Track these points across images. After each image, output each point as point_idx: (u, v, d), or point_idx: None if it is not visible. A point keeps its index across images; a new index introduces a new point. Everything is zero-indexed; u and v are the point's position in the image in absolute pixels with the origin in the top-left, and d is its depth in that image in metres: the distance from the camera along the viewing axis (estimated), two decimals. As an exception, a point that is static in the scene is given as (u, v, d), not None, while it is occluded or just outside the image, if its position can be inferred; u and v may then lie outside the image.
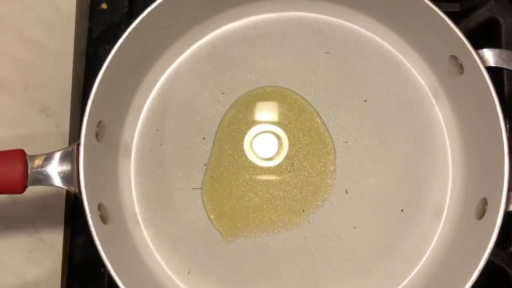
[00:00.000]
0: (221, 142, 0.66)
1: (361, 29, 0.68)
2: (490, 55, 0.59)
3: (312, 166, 0.65)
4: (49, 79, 0.71)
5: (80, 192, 0.55)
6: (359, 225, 0.64)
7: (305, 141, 0.65)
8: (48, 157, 0.55)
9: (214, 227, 0.64)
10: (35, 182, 0.55)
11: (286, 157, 0.65)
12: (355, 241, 0.63)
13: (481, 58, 0.58)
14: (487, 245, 0.54)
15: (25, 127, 0.69)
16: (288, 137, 0.66)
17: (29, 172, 0.55)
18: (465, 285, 0.54)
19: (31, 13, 0.72)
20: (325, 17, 0.68)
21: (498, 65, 0.59)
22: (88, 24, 0.70)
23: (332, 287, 0.63)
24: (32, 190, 0.58)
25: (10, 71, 0.71)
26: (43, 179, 0.55)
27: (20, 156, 0.55)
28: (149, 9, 0.60)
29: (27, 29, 0.72)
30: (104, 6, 0.70)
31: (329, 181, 0.64)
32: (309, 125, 0.66)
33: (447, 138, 0.65)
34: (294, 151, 0.65)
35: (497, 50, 0.59)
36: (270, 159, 0.65)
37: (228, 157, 0.65)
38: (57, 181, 0.55)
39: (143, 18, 0.60)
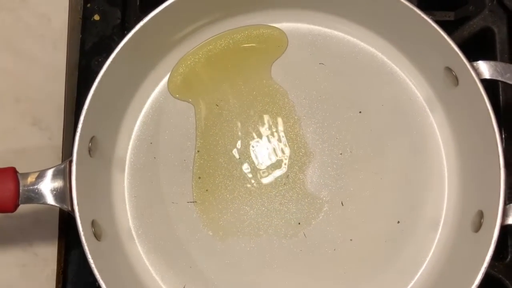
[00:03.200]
0: (215, 155, 0.65)
1: (355, 39, 0.68)
2: (485, 68, 0.59)
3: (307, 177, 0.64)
4: (41, 91, 0.70)
5: (73, 210, 0.54)
6: (355, 237, 0.63)
7: (300, 153, 0.65)
8: (40, 175, 0.55)
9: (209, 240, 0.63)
10: (27, 201, 0.55)
11: (281, 170, 0.64)
12: (351, 253, 0.63)
13: (476, 70, 0.58)
14: (484, 259, 0.53)
15: (17, 141, 0.68)
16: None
17: (20, 190, 0.54)
18: None
19: (21, 24, 0.71)
20: (319, 28, 0.68)
21: (493, 78, 0.58)
22: (80, 36, 0.69)
23: None
24: (25, 205, 0.57)
25: (0, 83, 0.70)
26: (35, 197, 0.55)
27: (11, 174, 0.54)
28: (142, 22, 0.59)
29: (17, 41, 0.70)
30: (96, 17, 0.69)
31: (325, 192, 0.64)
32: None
33: (442, 150, 0.65)
34: (289, 163, 0.65)
35: (492, 63, 0.59)
36: (265, 171, 0.65)
37: (223, 170, 0.65)
38: (50, 200, 0.55)
39: (137, 31, 0.59)
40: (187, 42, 0.67)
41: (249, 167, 0.65)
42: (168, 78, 0.67)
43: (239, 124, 0.66)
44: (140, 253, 0.63)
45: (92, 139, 0.58)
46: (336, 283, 0.62)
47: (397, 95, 0.67)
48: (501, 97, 0.66)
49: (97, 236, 0.57)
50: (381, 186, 0.64)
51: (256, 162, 0.65)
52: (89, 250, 0.53)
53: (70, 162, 0.55)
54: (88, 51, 0.68)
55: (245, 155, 0.65)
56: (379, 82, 0.67)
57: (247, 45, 0.68)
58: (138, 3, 0.70)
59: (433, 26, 0.59)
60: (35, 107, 0.69)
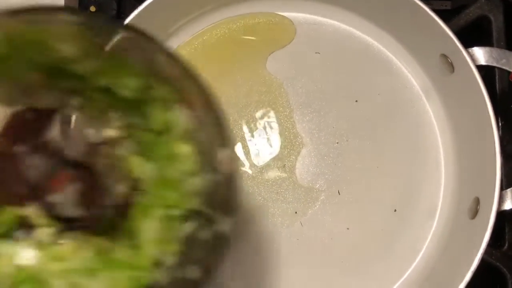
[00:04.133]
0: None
1: (351, 28, 0.68)
2: (480, 54, 0.59)
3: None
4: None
5: None
6: (352, 226, 0.63)
7: (297, 142, 0.65)
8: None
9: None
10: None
11: (277, 159, 0.65)
12: (348, 242, 0.63)
13: (472, 56, 0.58)
14: (480, 244, 0.54)
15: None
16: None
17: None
18: (459, 284, 0.55)
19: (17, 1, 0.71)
20: (315, 17, 0.68)
21: (489, 64, 0.59)
22: None
23: None
24: None
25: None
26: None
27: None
28: (137, 10, 0.59)
29: None
30: (92, 9, 0.70)
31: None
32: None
33: (439, 137, 0.65)
34: (285, 152, 0.65)
35: (487, 48, 0.59)
36: (261, 161, 0.65)
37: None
38: None
39: (131, 19, 0.59)
40: (183, 32, 0.67)
41: (245, 157, 0.65)
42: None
43: (235, 114, 0.66)
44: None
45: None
46: (333, 271, 0.62)
47: (393, 83, 0.67)
48: (497, 84, 0.66)
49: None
50: (377, 175, 0.65)
51: (252, 152, 0.65)
52: None
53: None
54: (84, 41, 0.69)
55: (241, 145, 0.65)
56: (375, 71, 0.67)
57: (246, 37, 0.68)
58: (134, -6, 0.71)
59: (430, 14, 0.59)
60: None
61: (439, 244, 0.62)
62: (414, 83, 0.66)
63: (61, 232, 0.41)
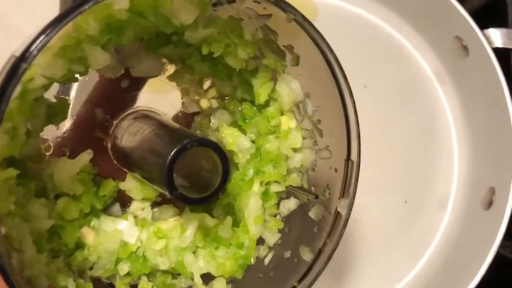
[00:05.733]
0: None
1: (360, 10, 0.70)
2: (497, 35, 0.63)
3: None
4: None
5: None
6: (360, 218, 0.67)
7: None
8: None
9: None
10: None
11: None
12: (357, 234, 0.67)
13: (487, 38, 0.61)
14: (495, 237, 0.58)
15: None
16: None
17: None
18: (473, 278, 0.59)
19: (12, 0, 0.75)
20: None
21: (506, 46, 0.62)
22: None
23: (334, 281, 0.67)
24: None
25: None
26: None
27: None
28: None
29: (8, 17, 0.74)
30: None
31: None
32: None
33: (452, 124, 0.69)
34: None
35: (504, 30, 0.62)
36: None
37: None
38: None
39: None
40: None
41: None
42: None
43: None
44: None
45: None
46: (341, 264, 0.66)
47: (404, 68, 0.69)
48: (513, 67, 0.63)
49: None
50: (387, 164, 0.68)
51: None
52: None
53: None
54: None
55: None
56: (384, 55, 0.69)
57: None
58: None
59: (443, -5, 0.59)
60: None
61: (450, 236, 0.67)
62: (426, 67, 0.70)
63: (155, 206, 0.46)
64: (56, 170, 0.41)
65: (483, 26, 0.61)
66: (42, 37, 0.31)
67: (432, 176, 0.68)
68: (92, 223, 0.42)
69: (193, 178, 0.38)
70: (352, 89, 0.70)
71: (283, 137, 0.43)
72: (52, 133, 0.42)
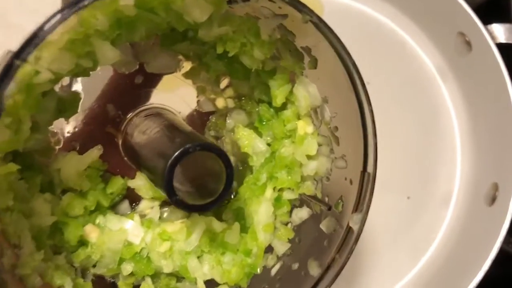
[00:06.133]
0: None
1: (362, 6, 0.69)
2: (500, 31, 0.62)
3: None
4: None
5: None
6: None
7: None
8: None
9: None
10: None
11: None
12: None
13: (491, 34, 0.60)
14: (499, 232, 0.57)
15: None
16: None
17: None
18: (476, 274, 0.58)
19: None
20: (322, -5, 0.66)
21: (509, 41, 0.61)
22: None
23: (338, 277, 0.67)
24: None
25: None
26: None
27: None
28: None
29: (10, 15, 0.74)
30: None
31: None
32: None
33: (455, 120, 0.68)
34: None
35: (507, 25, 0.61)
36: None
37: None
38: None
39: None
40: None
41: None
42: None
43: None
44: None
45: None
46: None
47: (407, 64, 0.68)
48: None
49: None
50: (390, 161, 0.63)
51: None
52: None
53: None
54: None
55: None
56: (387, 51, 0.68)
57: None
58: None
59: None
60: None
61: (454, 232, 0.66)
62: (429, 63, 0.68)
63: (165, 206, 0.44)
64: (63, 165, 0.40)
65: (486, 21, 0.60)
66: (40, 33, 0.29)
67: (435, 172, 0.67)
68: (98, 221, 0.41)
69: (198, 182, 0.36)
70: None
71: (298, 142, 0.41)
72: (62, 127, 0.41)
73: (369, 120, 0.36)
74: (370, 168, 0.37)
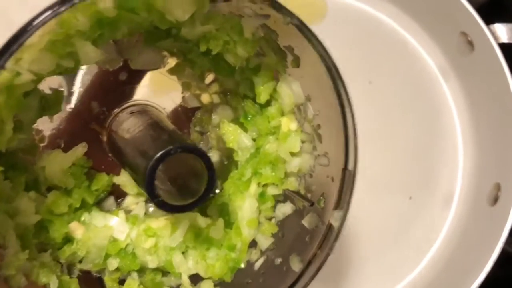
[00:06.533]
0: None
1: (364, 5, 0.69)
2: (503, 31, 0.62)
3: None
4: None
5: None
6: (365, 214, 0.66)
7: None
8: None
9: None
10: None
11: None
12: (361, 231, 0.66)
13: (493, 34, 0.60)
14: (501, 233, 0.57)
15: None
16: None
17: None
18: (478, 275, 0.58)
19: None
20: (323, -6, 0.66)
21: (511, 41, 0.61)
22: None
23: (339, 278, 0.66)
24: None
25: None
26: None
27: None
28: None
29: (11, 12, 0.74)
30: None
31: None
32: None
33: (457, 120, 0.67)
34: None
35: (510, 25, 0.61)
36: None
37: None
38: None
39: None
40: None
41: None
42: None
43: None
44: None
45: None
46: (346, 261, 0.66)
47: (409, 64, 0.68)
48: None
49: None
50: (392, 161, 0.66)
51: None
52: None
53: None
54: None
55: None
56: (389, 51, 0.68)
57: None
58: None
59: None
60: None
61: (455, 232, 0.66)
62: (431, 63, 0.68)
63: (150, 202, 0.44)
64: (47, 163, 0.40)
65: (488, 21, 0.59)
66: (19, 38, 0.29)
67: (437, 172, 0.66)
68: (83, 218, 0.41)
69: (180, 181, 0.37)
70: (357, 85, 0.67)
71: (281, 139, 0.42)
72: (47, 124, 0.41)
73: (350, 120, 0.36)
74: (351, 166, 0.37)
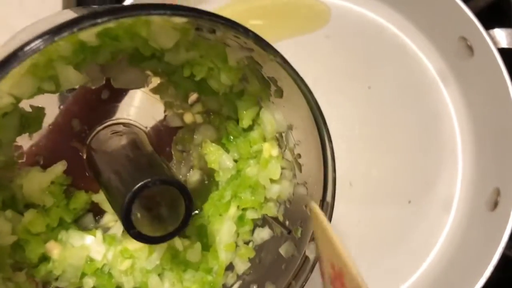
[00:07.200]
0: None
1: (363, 10, 0.69)
2: (502, 36, 0.61)
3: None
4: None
5: None
6: (364, 219, 0.66)
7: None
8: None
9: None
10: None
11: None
12: (360, 236, 0.66)
13: (493, 39, 0.60)
14: (501, 238, 0.57)
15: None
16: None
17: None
18: (478, 280, 0.58)
19: (15, 2, 0.74)
20: (324, -2, 0.66)
21: (511, 46, 0.61)
22: None
23: None
24: None
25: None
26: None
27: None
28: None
29: (11, 19, 0.73)
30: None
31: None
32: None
33: (456, 125, 0.68)
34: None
35: (509, 30, 0.61)
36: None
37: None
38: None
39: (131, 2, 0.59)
40: None
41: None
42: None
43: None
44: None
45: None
46: None
47: (408, 68, 0.68)
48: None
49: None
50: (391, 165, 0.66)
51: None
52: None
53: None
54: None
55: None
56: (389, 55, 0.68)
57: (252, 21, 0.68)
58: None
59: (448, -4, 0.58)
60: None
61: (455, 237, 0.66)
62: (431, 68, 0.68)
63: None
64: (26, 181, 0.39)
65: (488, 26, 0.60)
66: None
67: (436, 176, 0.67)
68: (60, 236, 0.40)
69: (156, 208, 0.36)
70: (357, 90, 0.69)
71: (262, 166, 0.42)
72: (26, 140, 0.40)
73: (329, 156, 0.36)
74: (328, 198, 0.36)
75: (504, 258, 0.57)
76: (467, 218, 0.65)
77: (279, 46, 0.67)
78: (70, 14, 0.32)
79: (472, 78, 0.64)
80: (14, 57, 0.28)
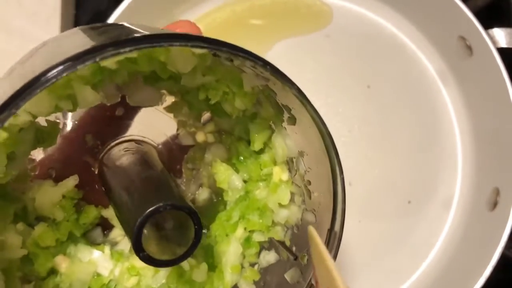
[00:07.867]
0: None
1: (362, 10, 0.70)
2: (501, 35, 0.62)
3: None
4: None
5: None
6: (364, 218, 0.67)
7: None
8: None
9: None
10: None
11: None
12: (360, 236, 0.67)
13: (492, 38, 0.61)
14: (501, 238, 0.58)
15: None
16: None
17: None
18: (477, 280, 0.59)
19: (14, 1, 0.73)
20: (324, -3, 0.67)
21: (510, 46, 0.62)
22: (74, 12, 0.71)
23: None
24: None
25: (-9, 61, 0.70)
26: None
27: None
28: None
29: (10, 18, 0.73)
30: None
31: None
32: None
33: (455, 124, 0.69)
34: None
35: (508, 30, 0.62)
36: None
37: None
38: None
39: (134, 2, 0.61)
40: (185, 16, 0.68)
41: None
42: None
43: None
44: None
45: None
46: (345, 266, 0.67)
47: (408, 68, 0.69)
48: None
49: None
50: (390, 165, 0.67)
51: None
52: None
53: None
54: (82, 26, 0.68)
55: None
56: (388, 55, 0.69)
57: (253, 21, 0.69)
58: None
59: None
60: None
61: (454, 237, 0.66)
62: (430, 67, 0.69)
63: None
64: (38, 195, 0.39)
65: (487, 26, 0.60)
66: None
67: (436, 176, 0.68)
68: (69, 250, 0.41)
69: (164, 229, 0.36)
70: (356, 89, 0.69)
71: (271, 190, 0.41)
72: (39, 154, 0.40)
73: (339, 188, 0.35)
74: (337, 228, 0.36)
75: (503, 258, 0.58)
76: (466, 218, 0.66)
77: (279, 46, 0.68)
78: (80, 36, 0.32)
79: (471, 78, 0.65)
80: (37, 82, 0.28)
